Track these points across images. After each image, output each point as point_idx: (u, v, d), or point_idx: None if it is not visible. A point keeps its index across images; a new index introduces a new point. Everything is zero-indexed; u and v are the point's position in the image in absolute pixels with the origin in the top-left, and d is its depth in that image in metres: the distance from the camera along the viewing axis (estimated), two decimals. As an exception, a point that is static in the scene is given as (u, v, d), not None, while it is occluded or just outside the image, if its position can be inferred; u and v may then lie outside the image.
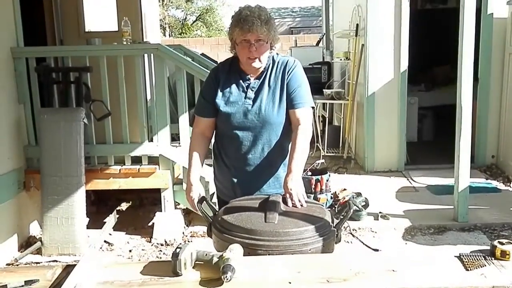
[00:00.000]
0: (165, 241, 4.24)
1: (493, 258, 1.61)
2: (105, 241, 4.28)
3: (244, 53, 2.15)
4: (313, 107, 2.25)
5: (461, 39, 4.10)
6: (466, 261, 1.60)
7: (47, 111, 4.16)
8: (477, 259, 1.60)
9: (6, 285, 1.56)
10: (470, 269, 1.56)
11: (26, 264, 3.86)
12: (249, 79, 2.23)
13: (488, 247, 1.66)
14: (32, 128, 4.33)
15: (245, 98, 2.20)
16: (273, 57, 2.25)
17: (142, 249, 4.17)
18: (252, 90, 2.21)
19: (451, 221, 4.33)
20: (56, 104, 4.30)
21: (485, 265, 1.58)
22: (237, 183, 2.27)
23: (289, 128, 2.21)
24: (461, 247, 3.82)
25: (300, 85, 2.21)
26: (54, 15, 5.14)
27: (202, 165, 2.27)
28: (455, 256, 1.65)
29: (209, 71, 2.47)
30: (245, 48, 2.13)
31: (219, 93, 2.22)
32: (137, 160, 4.39)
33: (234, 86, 2.22)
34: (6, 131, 4.10)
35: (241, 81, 2.23)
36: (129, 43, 4.50)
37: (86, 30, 5.23)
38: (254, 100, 2.19)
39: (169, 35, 24.10)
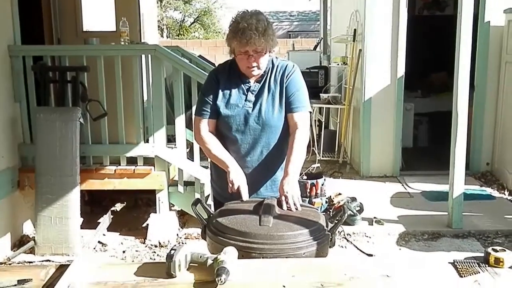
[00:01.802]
0: (159, 243, 4.23)
1: (487, 265, 1.62)
2: (99, 242, 4.26)
3: (243, 63, 2.17)
4: (310, 112, 2.26)
5: (458, 46, 4.11)
6: (460, 268, 1.60)
7: (43, 110, 4.14)
8: (471, 266, 1.61)
9: (-2, 284, 1.55)
10: (464, 276, 1.56)
11: (19, 263, 3.84)
12: (249, 82, 2.24)
13: (482, 254, 1.67)
14: (27, 126, 4.32)
15: (246, 100, 2.20)
16: (272, 60, 2.26)
17: (136, 250, 4.15)
18: (253, 93, 2.22)
19: (445, 228, 4.34)
20: (52, 103, 4.29)
21: (479, 272, 1.58)
22: None
23: (288, 132, 2.22)
24: (455, 254, 3.83)
25: (299, 90, 2.22)
26: (52, 14, 5.13)
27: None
28: (449, 263, 1.65)
29: (206, 73, 2.47)
30: (243, 59, 2.15)
31: (220, 95, 2.23)
32: (132, 161, 4.38)
33: (234, 89, 2.23)
34: (1, 129, 4.08)
35: (241, 84, 2.24)
36: (127, 44, 4.49)
37: (84, 29, 5.22)
38: (254, 103, 2.20)
39: (167, 36, 24.08)
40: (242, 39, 2.08)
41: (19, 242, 4.23)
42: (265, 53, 2.15)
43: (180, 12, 26.53)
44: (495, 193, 5.33)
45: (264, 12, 2.20)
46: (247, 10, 2.16)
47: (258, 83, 2.23)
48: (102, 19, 5.47)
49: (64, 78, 4.23)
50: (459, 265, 1.61)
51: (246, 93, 2.22)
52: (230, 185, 2.11)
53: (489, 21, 5.68)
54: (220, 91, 2.23)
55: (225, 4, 27.00)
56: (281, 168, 2.25)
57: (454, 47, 4.18)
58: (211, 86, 2.26)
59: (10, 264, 3.80)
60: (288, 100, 2.20)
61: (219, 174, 2.33)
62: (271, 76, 2.24)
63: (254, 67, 2.16)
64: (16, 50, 4.21)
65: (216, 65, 2.42)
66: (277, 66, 2.25)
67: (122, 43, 4.46)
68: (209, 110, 2.23)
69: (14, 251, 4.06)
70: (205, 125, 2.24)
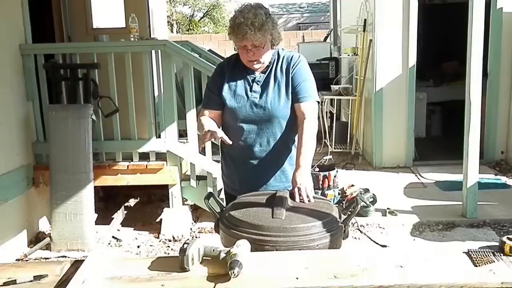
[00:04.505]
0: (173, 237, 4.26)
1: (502, 254, 1.60)
2: (113, 237, 4.30)
3: (244, 57, 2.19)
4: (318, 102, 2.25)
5: (470, 34, 4.06)
6: (474, 257, 1.59)
7: (56, 108, 4.18)
8: (486, 255, 1.59)
9: (15, 280, 1.57)
10: (479, 265, 1.55)
11: (35, 259, 3.89)
12: (254, 73, 2.24)
13: (497, 243, 1.65)
14: (40, 124, 4.36)
15: (251, 91, 2.21)
16: (278, 51, 2.26)
17: (150, 245, 4.18)
18: (258, 84, 2.22)
19: (460, 217, 4.30)
20: (64, 101, 4.32)
21: (494, 261, 1.57)
22: (243, 176, 2.28)
23: (295, 122, 2.21)
24: (470, 243, 3.80)
25: (305, 80, 2.21)
26: (62, 12, 5.16)
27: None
28: (463, 252, 1.64)
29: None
30: (243, 53, 2.17)
31: (225, 87, 2.24)
32: (144, 156, 4.41)
33: (239, 80, 2.24)
34: (15, 128, 4.13)
35: (246, 75, 2.25)
36: (136, 40, 4.50)
37: (94, 26, 5.25)
38: (260, 94, 2.21)
39: (177, 31, 24.10)
40: (238, 34, 2.09)
41: (35, 238, 4.28)
42: (264, 47, 2.15)
43: (190, 7, 26.55)
44: (510, 182, 5.28)
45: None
46: (248, 4, 2.15)
47: (263, 74, 2.24)
48: (111, 16, 5.49)
49: (75, 76, 4.25)
50: (473, 255, 1.60)
51: (251, 84, 2.22)
52: (206, 135, 2.06)
53: (501, 8, 5.60)
54: (225, 83, 2.24)
55: (234, -2, 26.97)
56: (290, 157, 2.26)
57: (466, 35, 4.12)
58: (216, 79, 2.29)
59: (26, 260, 3.85)
60: (294, 90, 2.20)
61: (228, 166, 2.36)
62: (276, 66, 2.24)
63: (254, 61, 2.16)
64: (27, 49, 4.24)
65: (225, 58, 2.43)
66: (283, 57, 2.25)
67: (132, 39, 4.47)
68: (212, 102, 2.26)
69: (30, 247, 4.11)
70: (205, 114, 2.25)
